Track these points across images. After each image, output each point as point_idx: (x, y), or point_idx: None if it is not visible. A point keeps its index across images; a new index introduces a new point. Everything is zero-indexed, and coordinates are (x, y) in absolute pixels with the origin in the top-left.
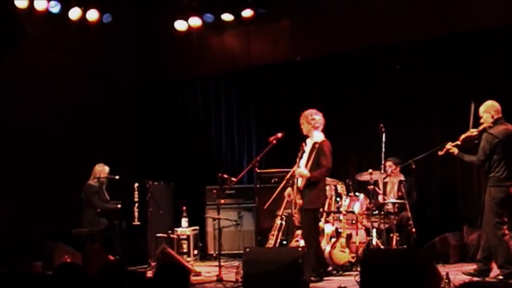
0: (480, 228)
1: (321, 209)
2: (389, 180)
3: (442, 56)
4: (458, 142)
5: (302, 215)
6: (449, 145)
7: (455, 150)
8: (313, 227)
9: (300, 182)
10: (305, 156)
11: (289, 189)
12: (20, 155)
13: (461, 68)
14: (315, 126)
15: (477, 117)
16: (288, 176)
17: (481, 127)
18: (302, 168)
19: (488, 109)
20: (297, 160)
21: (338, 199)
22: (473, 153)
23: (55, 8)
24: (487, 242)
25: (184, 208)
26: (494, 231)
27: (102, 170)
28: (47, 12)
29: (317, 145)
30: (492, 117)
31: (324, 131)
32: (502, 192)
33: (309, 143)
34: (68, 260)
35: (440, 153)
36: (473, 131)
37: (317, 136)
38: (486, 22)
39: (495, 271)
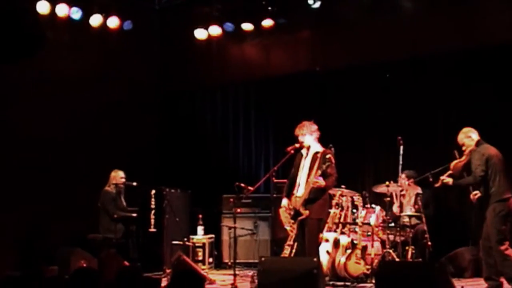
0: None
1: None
2: (406, 193)
3: (462, 69)
4: (451, 171)
5: (306, 225)
6: (443, 177)
7: (450, 181)
8: (317, 237)
9: (302, 192)
10: (306, 166)
11: (285, 200)
12: (39, 159)
13: (481, 81)
14: (316, 137)
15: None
16: (286, 186)
17: (467, 152)
18: (317, 178)
19: (467, 134)
20: (293, 170)
21: (354, 210)
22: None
23: (77, 14)
24: (492, 259)
25: (200, 216)
26: (497, 247)
27: (116, 175)
28: (68, 18)
29: (319, 155)
30: (473, 140)
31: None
32: (505, 206)
33: (307, 153)
34: (84, 265)
35: (436, 185)
36: (461, 158)
37: (317, 146)
38: (507, 36)
39: (506, 285)
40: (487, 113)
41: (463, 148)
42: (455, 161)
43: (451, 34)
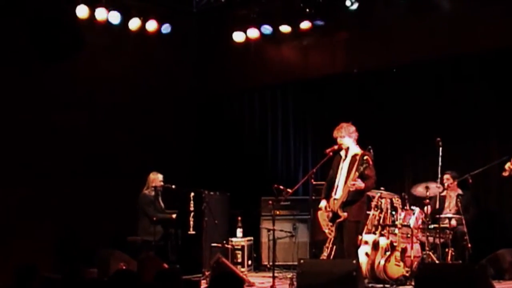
0: None
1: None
2: (447, 194)
3: (501, 69)
4: None
5: (344, 227)
6: (511, 165)
7: None
8: (355, 240)
9: (340, 194)
10: (345, 168)
11: (324, 202)
12: (78, 162)
13: None
14: (355, 139)
15: None
16: (324, 188)
17: None
18: (356, 180)
19: None
20: (332, 172)
21: (393, 212)
22: None
23: (115, 18)
24: None
25: (239, 218)
26: None
27: (155, 178)
28: (107, 22)
29: (357, 157)
30: None
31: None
32: None
33: (345, 155)
34: (124, 267)
35: (504, 174)
36: None
37: (356, 148)
38: None
39: None
40: None
41: None
42: None
43: (490, 35)
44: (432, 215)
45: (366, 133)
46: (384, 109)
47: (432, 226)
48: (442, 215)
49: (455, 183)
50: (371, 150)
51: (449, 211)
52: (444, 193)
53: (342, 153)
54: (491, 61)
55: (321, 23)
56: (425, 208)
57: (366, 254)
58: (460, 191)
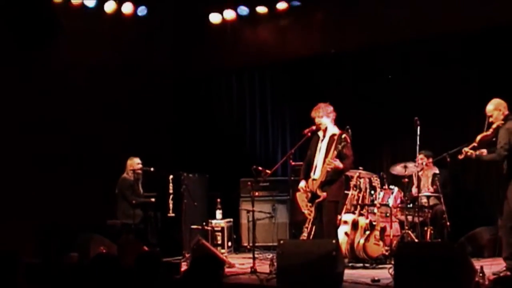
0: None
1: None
2: (423, 173)
3: (479, 50)
4: (475, 144)
5: (323, 207)
6: (466, 149)
7: (473, 153)
8: (334, 220)
9: (319, 175)
10: (323, 148)
11: (302, 183)
12: (57, 147)
13: (499, 62)
14: (333, 119)
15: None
16: (303, 168)
17: (494, 125)
18: (334, 160)
19: (498, 107)
20: (310, 152)
21: (372, 192)
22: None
23: (91, 1)
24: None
25: (219, 200)
26: None
27: (132, 162)
28: (82, 6)
29: (335, 137)
30: (503, 114)
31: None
32: None
33: (323, 135)
34: (104, 251)
35: (460, 157)
36: (488, 131)
37: (334, 128)
38: None
39: None
40: (507, 94)
41: (491, 119)
42: (482, 134)
43: (470, 14)
44: (411, 195)
45: (344, 113)
46: (362, 89)
47: (410, 205)
48: (420, 194)
49: (430, 161)
50: (349, 130)
51: (426, 190)
52: (421, 173)
53: (320, 133)
54: (472, 42)
55: (297, 4)
56: (412, 186)
57: (346, 233)
58: (436, 170)
